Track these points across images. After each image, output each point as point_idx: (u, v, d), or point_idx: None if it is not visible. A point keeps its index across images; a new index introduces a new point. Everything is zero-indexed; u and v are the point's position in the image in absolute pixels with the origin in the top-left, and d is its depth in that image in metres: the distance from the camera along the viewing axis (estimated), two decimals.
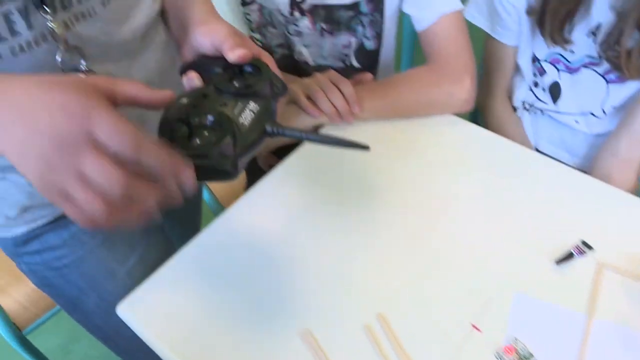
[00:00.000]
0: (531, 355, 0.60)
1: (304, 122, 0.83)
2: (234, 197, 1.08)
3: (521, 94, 1.05)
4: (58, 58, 0.53)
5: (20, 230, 0.69)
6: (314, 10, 0.90)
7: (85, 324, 0.84)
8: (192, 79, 0.52)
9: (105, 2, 0.57)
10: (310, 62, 0.98)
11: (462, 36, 0.85)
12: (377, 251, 0.70)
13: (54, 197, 0.39)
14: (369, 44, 0.95)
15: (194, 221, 1.02)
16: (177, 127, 0.45)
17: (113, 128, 0.38)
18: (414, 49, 1.26)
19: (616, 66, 0.89)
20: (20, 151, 0.39)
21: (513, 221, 0.73)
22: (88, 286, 0.76)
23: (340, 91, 0.81)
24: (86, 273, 0.75)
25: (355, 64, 0.98)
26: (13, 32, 0.50)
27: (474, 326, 0.62)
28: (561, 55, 0.95)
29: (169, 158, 0.40)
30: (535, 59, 0.99)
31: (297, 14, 0.91)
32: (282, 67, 0.99)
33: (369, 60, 0.98)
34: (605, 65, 0.92)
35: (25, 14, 0.50)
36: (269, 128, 0.49)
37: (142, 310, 0.65)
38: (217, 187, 1.27)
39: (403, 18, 1.08)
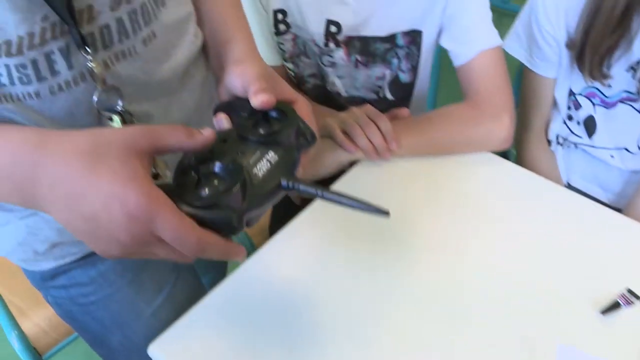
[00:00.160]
0: None
1: (339, 157, 0.82)
2: (260, 230, 1.06)
3: (555, 127, 1.04)
4: (95, 98, 0.52)
5: (48, 265, 0.68)
6: (349, 42, 0.89)
7: (108, 359, 0.82)
8: (221, 121, 0.51)
9: (147, 41, 0.56)
10: (343, 92, 0.97)
11: (501, 73, 0.84)
12: (412, 294, 0.68)
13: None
14: (404, 77, 0.94)
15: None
16: (188, 172, 0.43)
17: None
18: (438, 77, 1.25)
19: None
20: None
21: (552, 265, 0.71)
22: (113, 324, 0.75)
23: (378, 127, 0.79)
24: (112, 311, 0.73)
25: (389, 96, 0.97)
26: (53, 71, 0.49)
27: None
28: (598, 89, 0.94)
29: (226, 249, 0.43)
30: (571, 92, 0.98)
31: (332, 45, 0.90)
32: (313, 97, 0.99)
33: (403, 92, 0.97)
34: None
35: (66, 54, 0.49)
36: (284, 182, 0.45)
37: (172, 351, 0.64)
38: None
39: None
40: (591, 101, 0.96)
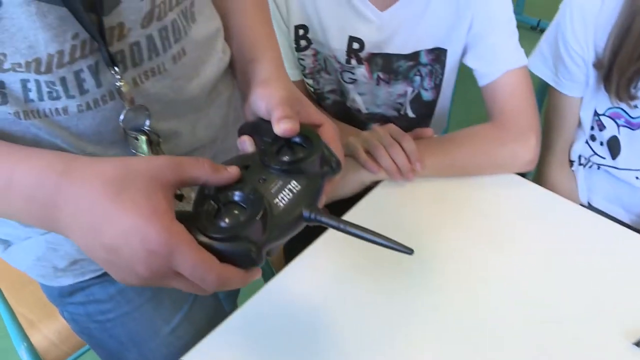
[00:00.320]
0: None
1: (361, 177, 0.80)
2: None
3: (578, 147, 1.02)
4: (121, 117, 0.51)
5: (67, 281, 0.67)
6: (372, 59, 0.88)
7: None
8: (244, 143, 0.50)
9: (176, 58, 0.55)
10: (363, 109, 0.96)
11: (527, 93, 0.82)
12: (433, 317, 0.66)
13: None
14: (427, 95, 0.93)
15: None
16: (207, 200, 0.42)
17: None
18: (453, 91, 1.24)
19: None
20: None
21: (580, 291, 0.69)
22: (130, 342, 0.74)
23: (402, 147, 0.78)
24: (130, 329, 0.72)
25: (410, 113, 0.95)
26: (82, 90, 0.48)
27: None
28: (623, 110, 0.92)
29: (245, 280, 0.43)
30: (595, 113, 0.96)
31: (354, 61, 0.89)
32: (333, 114, 0.98)
33: (425, 110, 0.95)
34: None
35: (95, 72, 0.48)
36: (306, 213, 0.44)
37: None
38: None
39: None
40: (615, 122, 0.95)
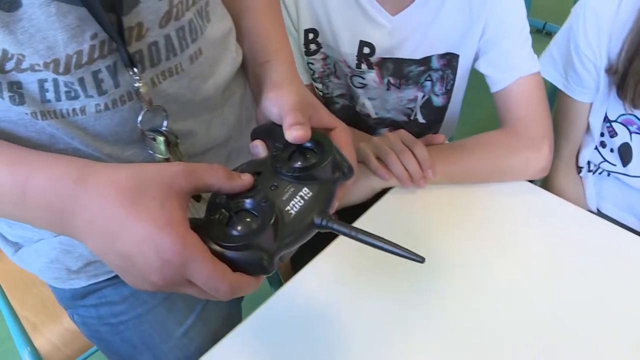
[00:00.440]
0: None
1: (372, 184, 0.79)
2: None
3: (587, 153, 1.01)
4: (139, 118, 0.50)
5: (80, 283, 0.66)
6: (382, 64, 0.87)
7: None
8: (257, 147, 0.49)
9: (193, 58, 0.54)
10: (372, 114, 0.95)
11: (541, 100, 0.81)
12: (446, 326, 0.65)
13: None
14: (437, 100, 0.92)
15: None
16: (219, 207, 0.42)
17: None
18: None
19: None
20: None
21: (592, 299, 0.68)
22: (143, 345, 0.73)
23: (413, 153, 0.77)
24: (142, 332, 0.72)
25: (420, 119, 0.94)
26: (100, 90, 0.48)
27: None
28: (636, 116, 0.91)
29: (256, 286, 0.43)
30: (606, 119, 0.95)
31: (364, 66, 0.88)
32: (342, 118, 0.96)
33: (435, 115, 0.94)
34: None
35: (113, 72, 0.48)
36: (317, 220, 0.43)
37: None
38: None
39: None
40: (627, 128, 0.93)
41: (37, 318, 1.08)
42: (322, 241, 0.74)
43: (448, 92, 0.91)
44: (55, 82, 0.46)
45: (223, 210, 0.42)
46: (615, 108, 0.92)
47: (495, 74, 0.82)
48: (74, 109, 0.48)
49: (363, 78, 0.89)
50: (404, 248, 0.43)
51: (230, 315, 0.79)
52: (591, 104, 0.96)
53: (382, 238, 0.43)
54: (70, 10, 0.43)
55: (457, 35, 0.83)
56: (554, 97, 1.01)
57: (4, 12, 0.41)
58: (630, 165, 0.96)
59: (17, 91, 0.45)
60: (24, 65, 0.44)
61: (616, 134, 0.94)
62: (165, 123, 0.53)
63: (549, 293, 0.69)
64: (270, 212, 0.41)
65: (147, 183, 0.40)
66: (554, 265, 0.72)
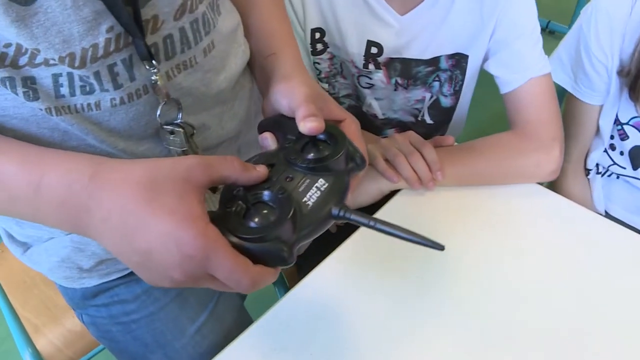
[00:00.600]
0: None
1: (380, 186, 0.78)
2: None
3: (596, 155, 1.00)
4: (158, 112, 0.50)
5: (92, 282, 0.66)
6: (390, 64, 0.86)
7: None
8: (266, 140, 0.49)
9: (206, 51, 0.54)
10: (379, 115, 0.94)
11: (552, 101, 0.80)
12: (454, 330, 0.65)
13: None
14: (446, 101, 0.91)
15: None
16: (235, 200, 0.41)
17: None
18: None
19: None
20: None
21: (608, 309, 0.67)
22: (155, 344, 0.72)
23: (422, 155, 0.76)
24: (155, 330, 0.71)
25: (428, 119, 0.93)
26: (116, 84, 0.47)
27: None
28: None
29: (275, 277, 0.42)
30: (617, 121, 0.94)
31: (371, 66, 0.86)
32: None
33: (443, 116, 0.93)
34: None
35: (129, 66, 0.47)
36: (334, 211, 0.43)
37: None
38: None
39: None
40: (639, 131, 0.92)
41: (38, 319, 1.07)
42: (326, 246, 0.73)
43: (456, 93, 0.89)
44: (70, 77, 0.45)
45: (240, 202, 0.41)
46: (627, 110, 0.91)
47: (505, 74, 0.80)
48: (88, 104, 0.47)
49: (370, 78, 0.88)
50: (423, 236, 0.42)
51: (241, 311, 0.79)
52: (601, 106, 0.94)
53: (401, 227, 0.43)
54: (86, 3, 0.42)
55: (466, 36, 0.82)
56: (563, 99, 1.00)
57: (20, 5, 0.40)
58: None
59: (31, 87, 0.44)
60: (38, 59, 0.43)
61: (627, 136, 0.93)
62: (180, 116, 0.52)
63: (558, 295, 0.68)
64: (288, 203, 0.41)
65: (163, 178, 0.40)
66: (563, 267, 0.71)
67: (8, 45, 0.42)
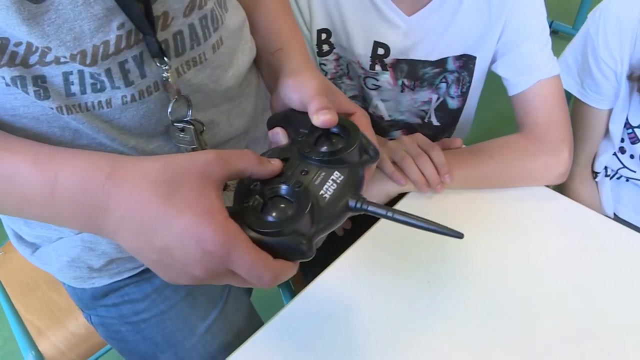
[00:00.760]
0: None
1: (387, 189, 0.77)
2: None
3: (605, 158, 0.99)
4: (169, 109, 0.50)
5: (102, 282, 0.65)
6: (397, 65, 0.85)
7: None
8: (277, 135, 0.49)
9: (215, 47, 0.54)
10: (386, 116, 0.93)
11: (560, 104, 0.79)
12: (464, 331, 0.64)
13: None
14: (453, 103, 0.90)
15: None
16: (251, 194, 0.41)
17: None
18: None
19: None
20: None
21: (617, 311, 0.66)
22: (165, 343, 0.71)
23: (430, 157, 0.75)
24: (165, 329, 0.71)
25: (434, 121, 0.92)
26: (127, 81, 0.47)
27: None
28: None
29: (294, 271, 0.42)
30: (628, 125, 0.93)
31: (378, 68, 0.85)
32: None
33: (450, 118, 0.92)
34: None
35: (140, 63, 0.47)
36: (352, 203, 0.43)
37: None
38: None
39: None
40: None
41: (41, 322, 1.07)
42: (335, 250, 0.72)
43: (464, 95, 0.88)
44: (81, 75, 0.45)
45: (257, 197, 0.41)
46: (638, 114, 0.90)
47: (514, 76, 0.80)
48: (99, 102, 0.47)
49: (377, 80, 0.87)
50: (441, 225, 0.42)
51: (250, 309, 0.79)
52: (610, 110, 0.93)
53: (418, 217, 0.43)
54: (96, 0, 0.42)
55: (474, 37, 0.81)
56: (570, 102, 0.99)
57: (32, 3, 0.40)
58: None
59: (41, 85, 0.44)
60: (49, 58, 0.43)
61: (638, 140, 0.92)
62: (189, 113, 0.52)
63: (567, 298, 0.67)
64: (306, 196, 0.41)
65: (181, 174, 0.39)
66: (571, 270, 0.70)
67: (18, 44, 0.41)
